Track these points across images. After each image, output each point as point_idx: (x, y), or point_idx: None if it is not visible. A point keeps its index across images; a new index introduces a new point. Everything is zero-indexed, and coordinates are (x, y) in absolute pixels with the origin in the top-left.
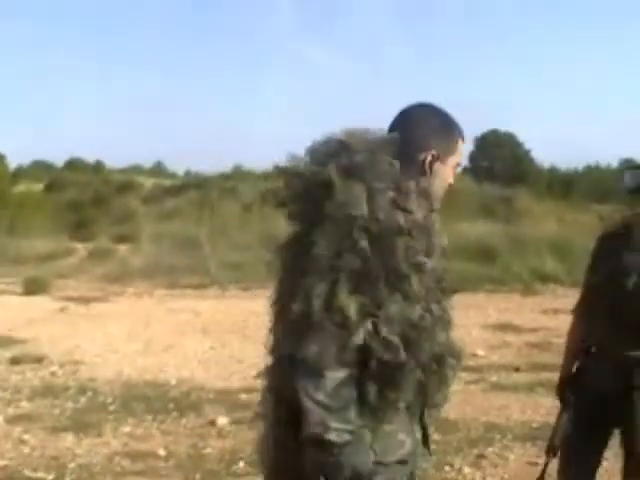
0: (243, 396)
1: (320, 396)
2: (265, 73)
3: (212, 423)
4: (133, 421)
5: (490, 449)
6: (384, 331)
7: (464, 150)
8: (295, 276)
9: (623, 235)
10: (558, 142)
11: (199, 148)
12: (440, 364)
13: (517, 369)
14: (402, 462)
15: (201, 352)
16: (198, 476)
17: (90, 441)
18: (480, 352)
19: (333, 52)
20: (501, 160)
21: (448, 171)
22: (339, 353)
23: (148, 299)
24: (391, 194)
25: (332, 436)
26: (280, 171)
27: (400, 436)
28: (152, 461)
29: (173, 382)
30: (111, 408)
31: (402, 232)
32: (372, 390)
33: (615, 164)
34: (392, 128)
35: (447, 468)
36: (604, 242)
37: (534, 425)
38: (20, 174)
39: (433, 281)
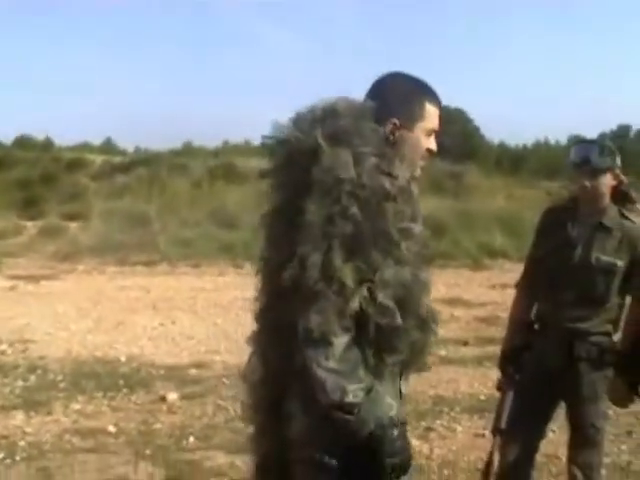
0: (193, 372)
1: (331, 364)
2: (216, 51)
3: (162, 399)
4: (83, 398)
5: (438, 422)
6: (380, 296)
7: (433, 114)
8: (285, 245)
9: (569, 209)
10: (507, 119)
11: (149, 125)
12: (424, 329)
13: (465, 343)
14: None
15: (151, 329)
16: (148, 452)
17: (40, 419)
18: None
19: (285, 30)
20: (451, 136)
21: (418, 137)
22: (339, 320)
23: (98, 276)
24: (375, 160)
25: (350, 398)
26: (266, 139)
27: (387, 399)
28: (102, 438)
29: (123, 359)
30: (61, 386)
31: (389, 197)
32: (369, 353)
33: (564, 140)
34: (365, 98)
35: None
36: (549, 217)
37: (482, 397)
38: None
39: (418, 247)
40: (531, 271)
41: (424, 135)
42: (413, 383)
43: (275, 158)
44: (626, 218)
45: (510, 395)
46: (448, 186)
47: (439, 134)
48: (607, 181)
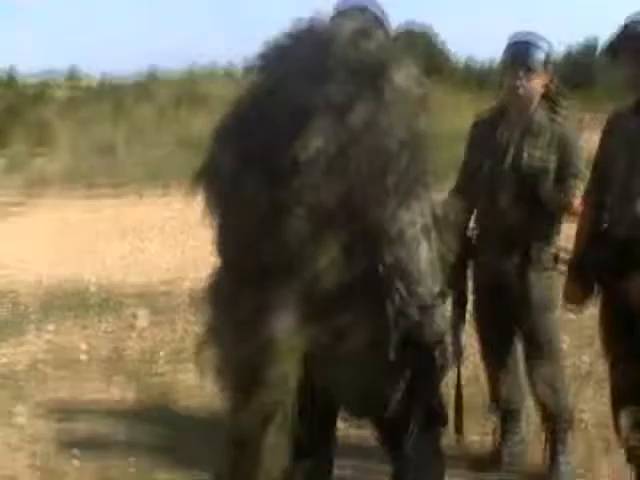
0: (162, 298)
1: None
2: None
3: (132, 325)
4: (54, 325)
5: None
6: None
7: None
8: None
9: (497, 117)
10: (475, 33)
11: (114, 51)
12: None
13: None
14: None
15: (120, 256)
16: (120, 377)
17: (12, 349)
18: None
19: None
20: (415, 52)
21: None
22: None
23: (66, 207)
24: None
25: None
26: None
27: None
28: (74, 365)
29: (93, 287)
30: (32, 316)
31: None
32: None
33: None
34: None
35: None
36: (477, 128)
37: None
38: None
39: None
40: (464, 182)
41: None
42: None
43: None
44: (554, 119)
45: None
46: None
47: None
48: (540, 81)
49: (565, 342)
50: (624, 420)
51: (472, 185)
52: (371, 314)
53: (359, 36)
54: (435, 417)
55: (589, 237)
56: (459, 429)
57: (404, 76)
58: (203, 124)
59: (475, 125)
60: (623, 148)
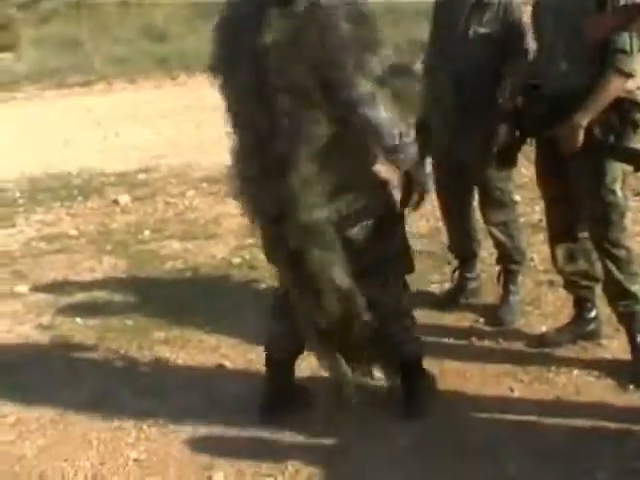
0: (141, 176)
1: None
2: None
3: (115, 202)
4: (42, 210)
5: None
6: None
7: None
8: None
9: None
10: None
11: None
12: None
13: None
14: None
15: (97, 142)
16: (109, 247)
17: (5, 232)
18: None
19: None
20: None
21: None
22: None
23: (38, 102)
24: None
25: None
26: None
27: None
28: (65, 240)
29: (74, 172)
30: (20, 202)
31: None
32: None
33: None
34: None
35: None
36: (436, 5)
37: None
38: None
39: None
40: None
41: None
42: None
43: None
44: None
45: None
46: None
47: None
48: None
49: (519, 195)
50: (559, 253)
51: (430, 59)
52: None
53: None
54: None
55: (524, 94)
56: None
57: None
58: (166, 12)
59: (435, 4)
60: (549, 13)
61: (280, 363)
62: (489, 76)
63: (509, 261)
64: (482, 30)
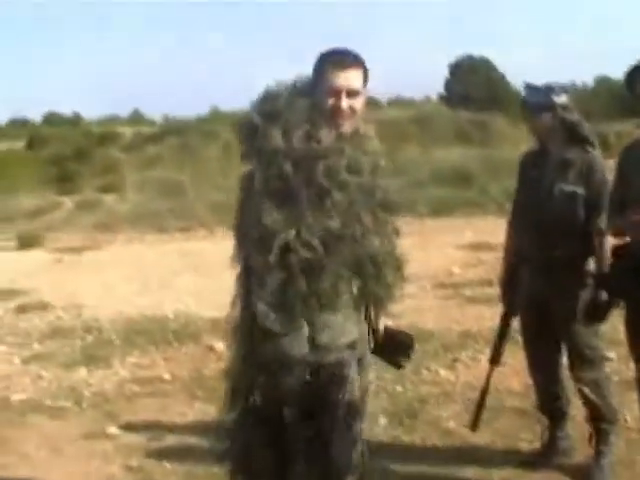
0: None
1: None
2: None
3: (210, 349)
4: (138, 352)
5: (464, 353)
6: (306, 235)
7: (334, 75)
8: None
9: (538, 150)
10: (534, 67)
11: (175, 93)
12: (376, 265)
13: (490, 283)
14: (350, 346)
15: (194, 288)
16: (201, 393)
17: (101, 372)
18: (456, 270)
19: None
20: (476, 86)
21: (326, 99)
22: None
23: (139, 244)
24: (306, 127)
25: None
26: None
27: (347, 325)
28: (159, 384)
29: (171, 316)
30: (116, 343)
31: (319, 156)
32: (303, 283)
33: (591, 83)
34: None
35: (424, 371)
36: (523, 161)
37: None
38: None
39: (363, 195)
40: (514, 211)
41: (329, 95)
42: (440, 321)
43: (238, 134)
44: (585, 150)
45: (509, 326)
46: (474, 135)
47: (353, 93)
48: (558, 117)
49: (614, 352)
50: None
51: (518, 216)
52: None
53: None
54: None
55: (613, 254)
56: (474, 426)
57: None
58: None
59: (521, 158)
60: (636, 168)
61: None
62: (575, 233)
63: (601, 421)
64: (567, 188)
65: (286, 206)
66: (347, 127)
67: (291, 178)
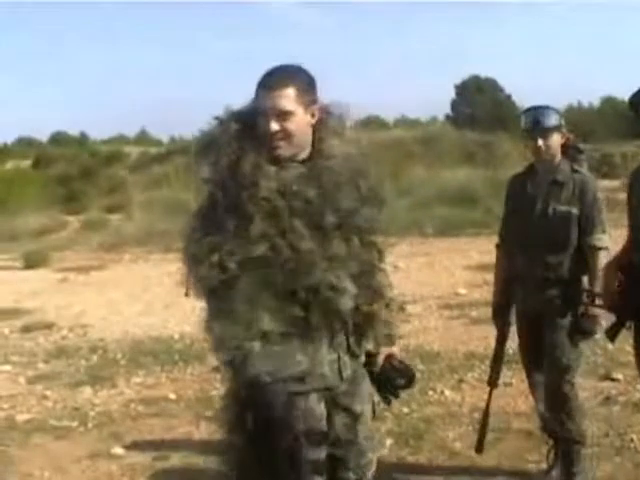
0: None
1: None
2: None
3: (216, 369)
4: (143, 372)
5: (469, 374)
6: (225, 260)
7: (262, 97)
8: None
9: (528, 172)
10: (539, 86)
11: (181, 114)
12: (316, 294)
13: None
14: (299, 379)
15: (199, 308)
16: (206, 413)
17: (106, 392)
18: (462, 291)
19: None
20: (482, 106)
21: (259, 122)
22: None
23: (144, 264)
24: (233, 157)
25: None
26: None
27: (297, 356)
28: (164, 404)
29: (176, 336)
30: (122, 363)
31: (244, 186)
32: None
33: (597, 103)
34: None
35: (430, 392)
36: (512, 183)
37: (510, 352)
38: (5, 152)
39: (305, 220)
40: (504, 232)
41: (260, 118)
42: (446, 342)
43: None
44: (576, 171)
45: (504, 348)
46: (480, 156)
47: (283, 113)
48: (556, 139)
49: (621, 373)
50: None
51: (508, 235)
52: None
53: None
54: None
55: (625, 275)
56: (479, 449)
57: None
58: None
59: (510, 180)
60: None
61: None
62: (569, 252)
63: (570, 441)
64: (561, 208)
65: (211, 234)
66: (284, 150)
67: (219, 205)
